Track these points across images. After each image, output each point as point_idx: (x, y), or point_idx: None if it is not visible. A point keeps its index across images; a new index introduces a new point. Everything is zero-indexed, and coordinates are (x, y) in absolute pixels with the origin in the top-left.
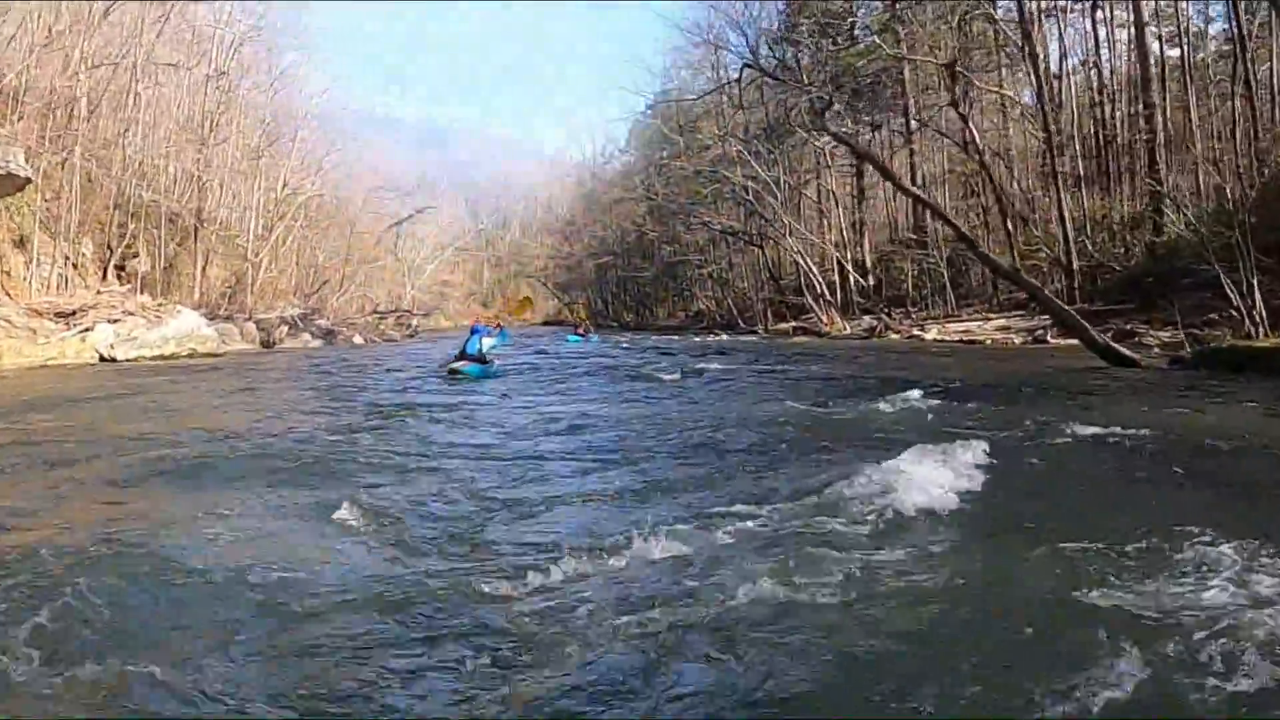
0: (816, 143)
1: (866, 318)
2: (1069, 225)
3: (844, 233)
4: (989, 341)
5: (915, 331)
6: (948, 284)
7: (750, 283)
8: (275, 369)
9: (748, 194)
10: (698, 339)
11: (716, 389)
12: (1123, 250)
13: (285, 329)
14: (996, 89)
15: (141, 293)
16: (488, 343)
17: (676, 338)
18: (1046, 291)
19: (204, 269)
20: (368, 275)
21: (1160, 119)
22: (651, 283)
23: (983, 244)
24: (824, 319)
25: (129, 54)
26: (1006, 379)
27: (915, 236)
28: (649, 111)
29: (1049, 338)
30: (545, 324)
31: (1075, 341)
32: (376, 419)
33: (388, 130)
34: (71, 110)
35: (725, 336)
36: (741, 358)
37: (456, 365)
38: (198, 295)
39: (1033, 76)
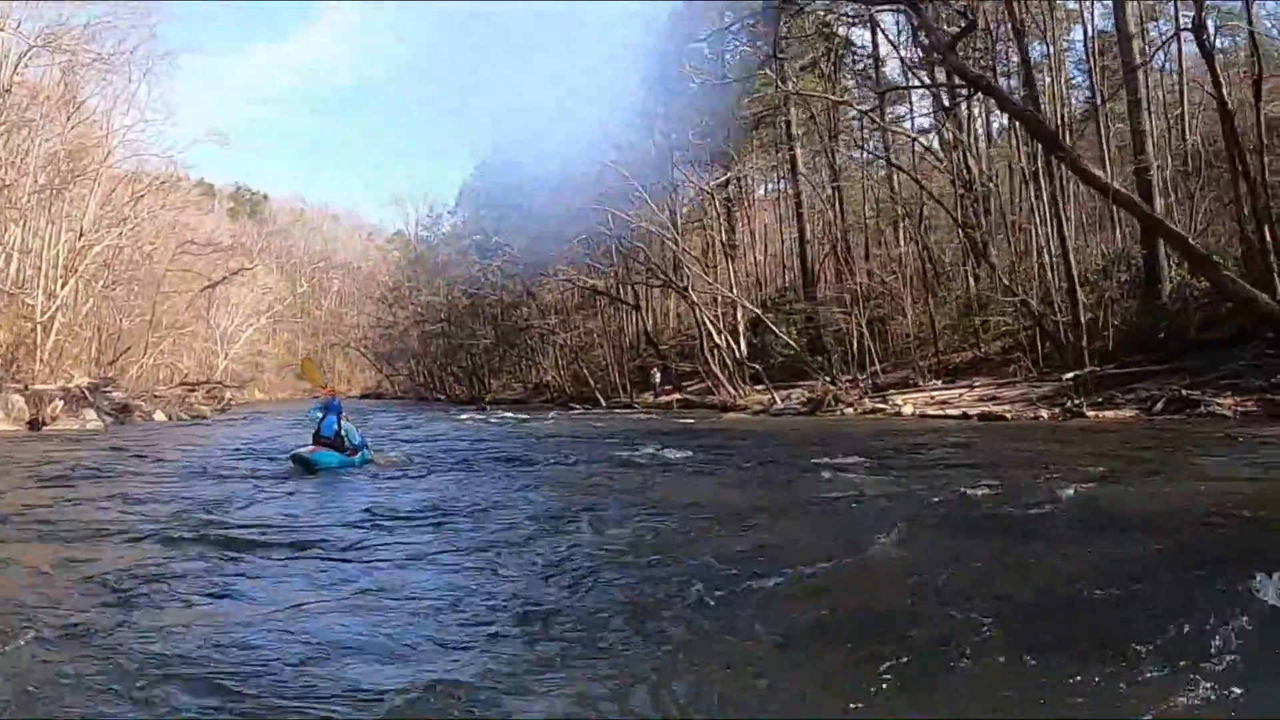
0: (705, 186)
1: (795, 389)
2: (1071, 266)
3: (732, 288)
4: (1009, 417)
5: (877, 405)
6: (871, 347)
7: (609, 350)
8: None
9: (628, 241)
10: (552, 415)
11: None
12: (1109, 300)
13: (61, 404)
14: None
15: None
16: (347, 424)
17: (535, 415)
18: None
19: None
20: (176, 343)
21: (1149, 143)
22: (486, 352)
23: (905, 301)
24: (729, 390)
25: None
26: None
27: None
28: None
29: (1086, 410)
30: (363, 396)
31: (1125, 414)
32: None
33: (200, 190)
34: None
35: (585, 410)
36: (689, 446)
37: (305, 453)
38: None
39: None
